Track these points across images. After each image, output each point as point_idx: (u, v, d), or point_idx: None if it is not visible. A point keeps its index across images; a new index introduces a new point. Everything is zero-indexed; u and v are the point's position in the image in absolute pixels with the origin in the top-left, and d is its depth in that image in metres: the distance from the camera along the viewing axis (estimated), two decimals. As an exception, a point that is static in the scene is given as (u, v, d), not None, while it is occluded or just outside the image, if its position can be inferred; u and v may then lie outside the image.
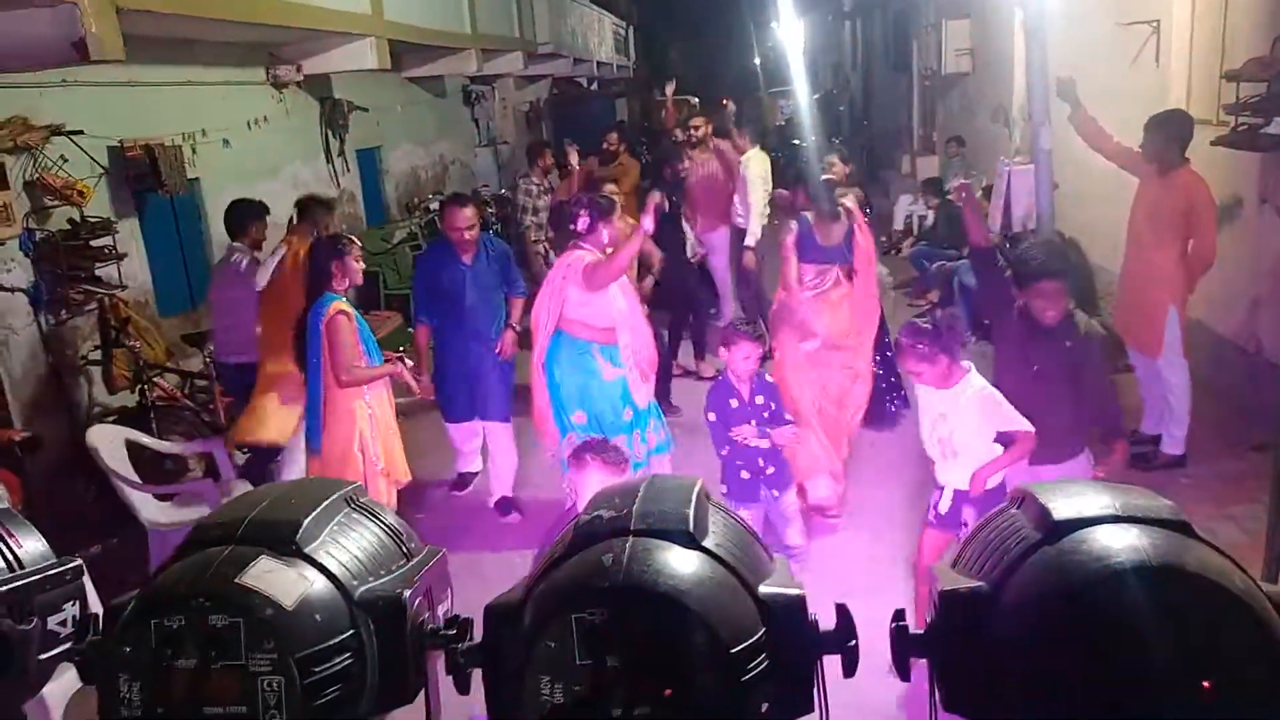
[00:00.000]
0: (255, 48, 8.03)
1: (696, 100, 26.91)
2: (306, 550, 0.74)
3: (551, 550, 0.76)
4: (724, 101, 30.41)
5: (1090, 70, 7.17)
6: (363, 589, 0.75)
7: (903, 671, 0.73)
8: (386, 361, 4.40)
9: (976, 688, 0.69)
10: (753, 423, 4.04)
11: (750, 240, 7.33)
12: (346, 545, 0.78)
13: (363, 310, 8.77)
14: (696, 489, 0.78)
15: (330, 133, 9.50)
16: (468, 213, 5.14)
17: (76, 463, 5.64)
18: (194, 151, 7.11)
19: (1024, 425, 3.42)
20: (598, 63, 21.99)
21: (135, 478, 4.81)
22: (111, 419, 5.68)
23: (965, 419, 3.47)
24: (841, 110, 24.83)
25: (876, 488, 5.41)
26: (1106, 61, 7.16)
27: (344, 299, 4.26)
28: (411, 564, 0.82)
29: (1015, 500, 0.78)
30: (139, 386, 5.78)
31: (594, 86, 23.40)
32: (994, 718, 0.69)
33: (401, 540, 0.84)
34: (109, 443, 4.83)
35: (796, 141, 22.07)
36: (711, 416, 4.11)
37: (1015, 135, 9.72)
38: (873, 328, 5.43)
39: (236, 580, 0.69)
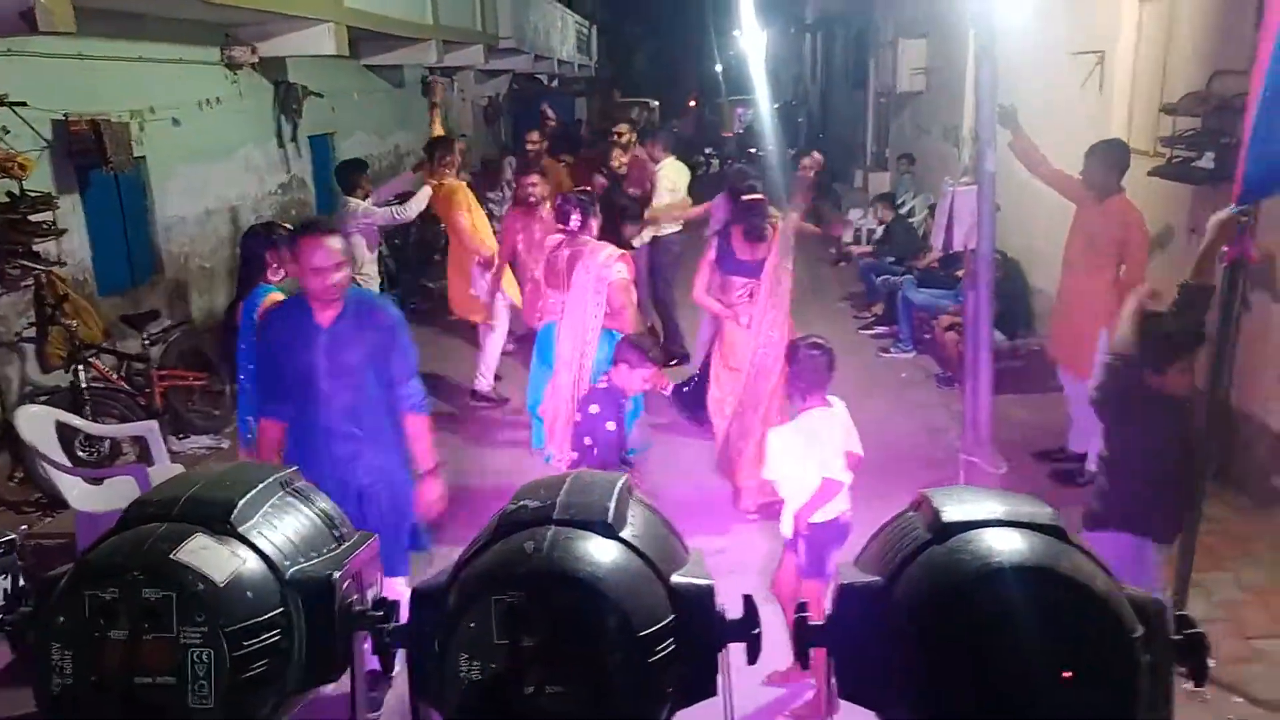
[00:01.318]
0: (210, 27, 7.90)
1: (656, 104, 27.06)
2: (240, 530, 0.77)
3: (478, 537, 0.80)
4: (691, 103, 30.49)
5: (1038, 96, 7.38)
6: (294, 569, 0.78)
7: (803, 660, 0.78)
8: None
9: (870, 676, 0.75)
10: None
11: (636, 242, 7.42)
12: (280, 527, 0.81)
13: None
14: (619, 484, 0.82)
15: (284, 117, 9.37)
16: (330, 247, 3.31)
17: (3, 442, 5.52)
18: (141, 129, 6.99)
19: (833, 474, 3.61)
20: (559, 60, 21.96)
21: (64, 460, 4.72)
22: (43, 399, 5.55)
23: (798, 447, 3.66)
24: (800, 121, 25.15)
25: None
26: (1054, 88, 7.38)
27: (279, 290, 4.19)
28: (343, 548, 0.86)
29: (914, 504, 0.83)
30: (74, 366, 5.66)
31: (554, 84, 23.36)
32: (885, 704, 0.75)
33: (334, 524, 0.88)
34: (37, 424, 4.72)
35: (753, 150, 22.28)
36: (611, 426, 4.06)
37: (965, 155, 9.94)
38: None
39: (171, 555, 0.72)
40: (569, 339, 4.86)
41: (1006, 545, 0.71)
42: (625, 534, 0.75)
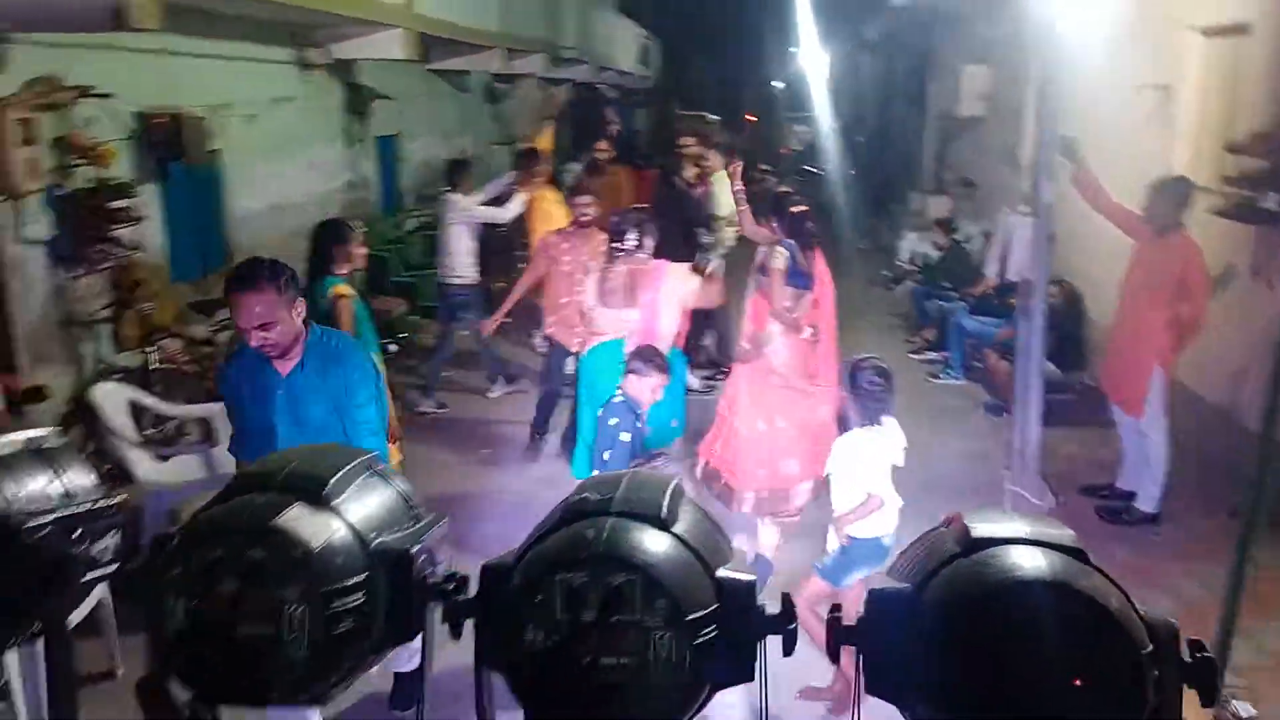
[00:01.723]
0: (285, 28, 8.16)
1: (716, 118, 27.11)
2: (332, 503, 0.86)
3: (542, 523, 0.88)
4: (747, 117, 30.46)
5: (1101, 128, 7.33)
6: (377, 541, 0.87)
7: (834, 656, 0.85)
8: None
9: (896, 674, 0.81)
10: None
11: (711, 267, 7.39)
12: (366, 502, 0.90)
13: (371, 295, 8.96)
14: (673, 484, 0.90)
15: (352, 117, 9.63)
16: (254, 306, 2.96)
17: (78, 416, 5.75)
18: (219, 125, 7.23)
19: (880, 491, 3.71)
20: (620, 71, 22.15)
21: (136, 436, 4.92)
22: (116, 377, 5.78)
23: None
24: (859, 141, 25.05)
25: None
26: (1117, 121, 7.32)
27: (345, 282, 4.35)
28: (418, 526, 0.94)
29: (947, 521, 0.90)
30: (145, 348, 5.89)
31: (614, 94, 23.57)
32: (908, 701, 0.81)
33: (410, 505, 0.97)
34: (112, 400, 4.94)
35: (810, 168, 22.22)
36: (625, 438, 4.11)
37: (1025, 183, 9.87)
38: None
39: (273, 521, 0.81)
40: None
41: (1029, 561, 0.77)
42: (677, 528, 0.83)
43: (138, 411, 5.32)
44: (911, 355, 8.88)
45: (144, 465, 4.75)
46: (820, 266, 5.18)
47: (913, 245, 11.87)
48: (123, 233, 6.02)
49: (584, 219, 6.55)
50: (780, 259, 4.99)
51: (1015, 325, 5.36)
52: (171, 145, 6.39)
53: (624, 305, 5.00)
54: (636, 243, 4.99)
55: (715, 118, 27.68)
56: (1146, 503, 5.42)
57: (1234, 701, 3.84)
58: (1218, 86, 6.29)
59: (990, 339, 7.84)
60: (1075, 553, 0.80)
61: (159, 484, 4.70)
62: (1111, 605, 0.74)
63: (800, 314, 5.16)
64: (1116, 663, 0.73)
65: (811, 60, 21.30)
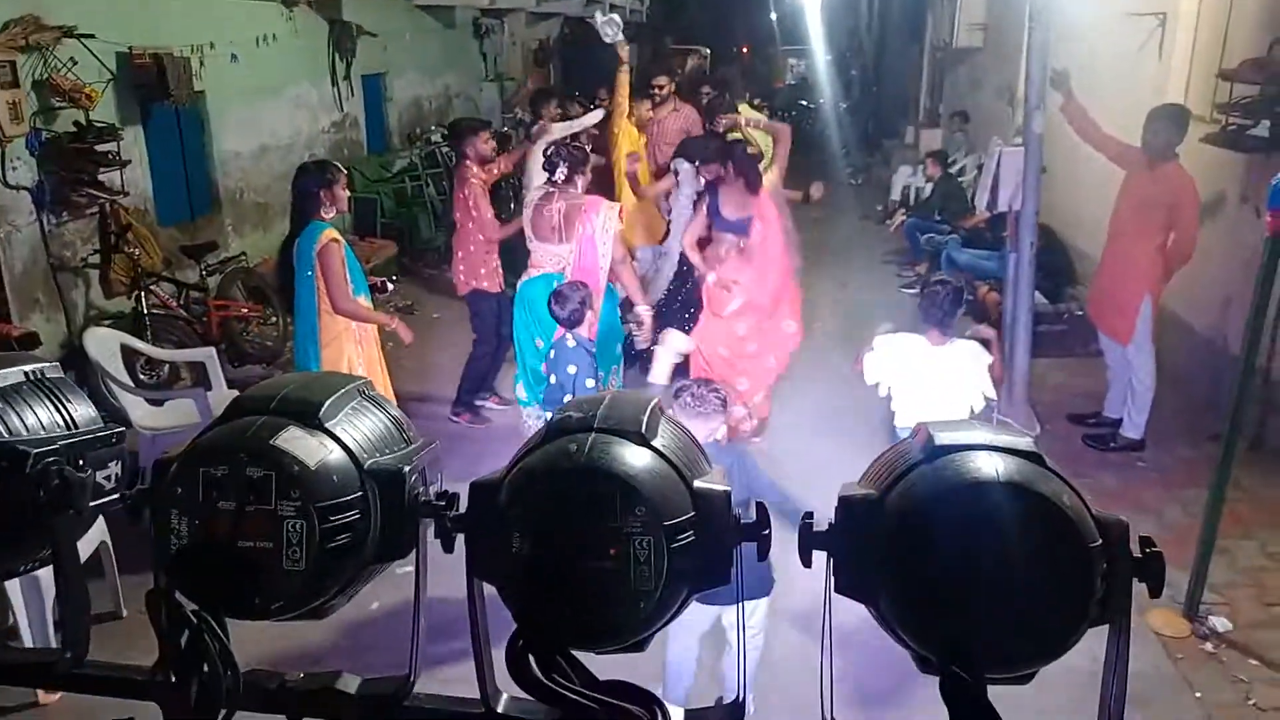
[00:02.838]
0: (269, -36, 8.02)
1: (708, 51, 26.71)
2: (327, 425, 0.90)
3: (528, 441, 0.92)
4: (742, 50, 29.94)
5: (1095, 58, 7.26)
6: (370, 461, 0.91)
7: (805, 560, 0.90)
8: (381, 304, 4.47)
9: (863, 575, 0.86)
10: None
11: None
12: (359, 425, 0.93)
13: (359, 236, 8.94)
14: (652, 403, 0.94)
15: (337, 56, 9.49)
16: None
17: (70, 363, 5.78)
18: (202, 64, 7.14)
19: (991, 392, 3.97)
20: (610, 4, 21.75)
21: (129, 381, 4.95)
22: (107, 323, 5.80)
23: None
24: (853, 75, 24.71)
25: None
26: (1111, 50, 7.25)
27: (331, 225, 4.34)
28: (410, 448, 0.98)
29: (914, 432, 0.94)
30: (135, 293, 5.89)
31: (606, 29, 23.14)
32: (874, 598, 0.86)
33: (402, 429, 1.01)
34: (105, 346, 4.96)
35: (804, 102, 21.96)
36: (590, 384, 4.19)
37: (1019, 115, 9.80)
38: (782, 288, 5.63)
39: (271, 441, 0.85)
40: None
41: (987, 464, 0.82)
42: (655, 443, 0.87)
43: (131, 357, 5.35)
44: (904, 290, 8.91)
45: (138, 410, 4.80)
46: (763, 207, 5.29)
47: (906, 179, 11.82)
48: (109, 176, 5.99)
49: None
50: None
51: (1004, 258, 5.38)
52: (155, 86, 6.32)
53: (559, 240, 5.14)
54: (566, 176, 5.12)
55: (707, 51, 27.28)
56: (1132, 430, 5.50)
57: (1211, 617, 3.96)
58: (1209, 14, 6.22)
59: (982, 272, 7.87)
60: (1032, 456, 0.84)
61: (153, 429, 4.75)
62: (1063, 503, 0.79)
63: (732, 256, 5.33)
64: (1066, 555, 0.78)
65: (806, -9, 20.87)
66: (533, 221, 5.22)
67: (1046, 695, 1.51)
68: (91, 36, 5.77)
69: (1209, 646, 3.84)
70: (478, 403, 6.12)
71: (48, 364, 1.09)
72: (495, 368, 6.18)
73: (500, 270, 6.01)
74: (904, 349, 4.03)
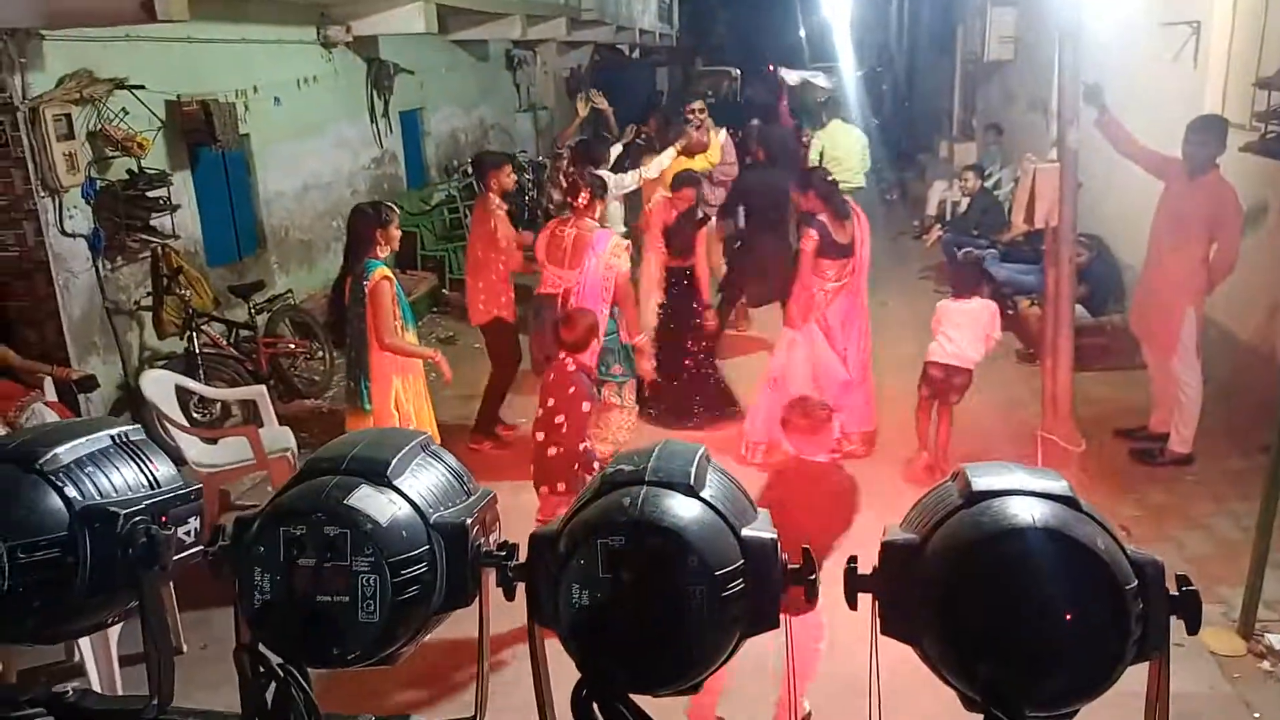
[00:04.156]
0: (307, 8, 8.23)
1: (738, 72, 26.84)
2: (395, 483, 0.96)
3: (582, 494, 0.97)
4: (770, 69, 30.19)
5: (1128, 69, 7.23)
6: (436, 515, 0.96)
7: (851, 603, 0.94)
8: (424, 340, 4.64)
9: (907, 617, 0.90)
10: None
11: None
12: (424, 480, 0.99)
13: (401, 269, 9.10)
14: (700, 453, 0.99)
15: (375, 93, 9.71)
16: None
17: (126, 403, 5.96)
18: (246, 108, 7.35)
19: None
20: (640, 30, 21.97)
21: (184, 421, 5.09)
22: (161, 364, 5.97)
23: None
24: (884, 89, 24.67)
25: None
26: (1145, 60, 7.21)
27: (385, 265, 4.49)
28: (471, 500, 1.04)
29: (953, 476, 0.98)
30: (187, 333, 6.06)
31: (635, 54, 23.40)
32: (917, 640, 0.90)
33: (464, 481, 1.06)
34: (160, 387, 5.12)
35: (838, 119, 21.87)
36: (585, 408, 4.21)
37: (1053, 128, 9.74)
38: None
39: (345, 501, 0.91)
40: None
41: (1024, 510, 0.85)
42: (704, 494, 0.92)
43: (184, 396, 5.50)
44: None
45: (194, 449, 4.93)
46: (858, 229, 5.44)
47: (941, 193, 11.77)
48: (160, 221, 6.18)
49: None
50: (811, 242, 5.51)
51: (1044, 273, 5.37)
52: (202, 132, 6.53)
53: (566, 266, 5.39)
54: (586, 203, 5.39)
55: (738, 72, 27.40)
56: (1179, 443, 5.43)
57: (1268, 635, 3.90)
58: (1244, 21, 6.17)
59: (1022, 287, 7.82)
60: (1068, 501, 0.88)
61: (209, 466, 4.87)
62: (1098, 546, 0.83)
63: (841, 281, 5.45)
64: (1103, 599, 0.81)
65: (836, 7, 20.90)
66: (546, 245, 5.48)
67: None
68: (142, 88, 5.97)
69: (1266, 665, 3.78)
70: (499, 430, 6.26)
71: (130, 427, 1.17)
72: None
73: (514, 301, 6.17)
74: (942, 307, 5.59)
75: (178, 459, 5.06)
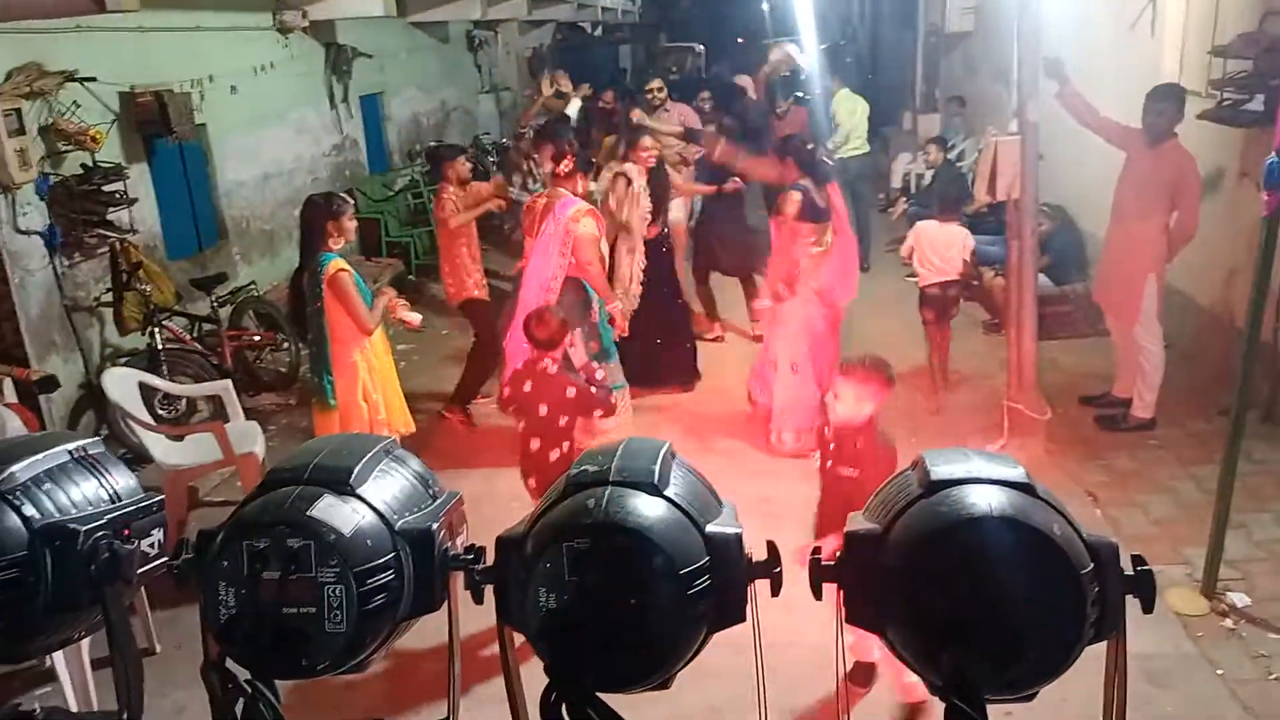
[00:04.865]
0: (261, -7, 8.09)
1: (702, 48, 26.70)
2: (358, 491, 0.96)
3: (548, 495, 0.98)
4: (738, 41, 29.98)
5: (1087, 39, 7.27)
6: (401, 522, 0.96)
7: (816, 593, 0.95)
8: (377, 296, 4.54)
9: (870, 605, 0.91)
10: None
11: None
12: (388, 487, 0.99)
13: (365, 256, 9.02)
14: (664, 450, 0.99)
15: (335, 78, 9.56)
16: None
17: (89, 402, 5.87)
18: (202, 98, 7.22)
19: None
20: (602, 8, 21.77)
21: (149, 419, 5.03)
22: (123, 361, 5.88)
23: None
24: (848, 62, 24.65)
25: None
26: (1103, 31, 7.26)
27: (339, 256, 4.41)
28: (437, 503, 1.04)
29: (913, 464, 0.99)
30: (149, 329, 5.97)
31: (598, 32, 23.21)
32: (883, 628, 0.92)
33: (428, 485, 1.06)
34: (123, 385, 5.04)
35: (800, 93, 21.91)
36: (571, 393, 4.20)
37: (1015, 99, 9.79)
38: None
39: (308, 512, 0.91)
40: (532, 286, 5.16)
41: (981, 499, 0.87)
42: (668, 492, 0.93)
43: (148, 393, 5.43)
44: (910, 278, 8.91)
45: (160, 448, 4.87)
46: (835, 196, 5.42)
47: (906, 165, 11.81)
48: (117, 216, 6.07)
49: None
50: (793, 205, 5.43)
51: (1008, 245, 5.42)
52: (157, 123, 6.39)
53: (533, 235, 5.36)
54: (569, 171, 5.27)
55: (702, 48, 27.24)
56: (1142, 408, 5.53)
57: (1230, 593, 3.99)
58: (1200, -12, 6.23)
59: (986, 257, 7.88)
60: (1024, 487, 0.89)
61: (176, 464, 4.82)
62: (1053, 532, 0.84)
63: (824, 246, 5.41)
64: (1059, 583, 0.83)
65: (799, -21, 20.81)
66: (524, 217, 5.52)
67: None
68: (93, 79, 5.85)
69: (1229, 623, 3.87)
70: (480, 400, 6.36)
71: (89, 440, 1.15)
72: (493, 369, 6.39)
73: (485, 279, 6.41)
74: (923, 227, 6.36)
75: (143, 457, 5.02)
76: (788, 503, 4.82)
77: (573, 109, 7.69)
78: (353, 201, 4.64)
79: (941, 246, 6.25)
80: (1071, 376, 6.40)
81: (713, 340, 7.52)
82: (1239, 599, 3.96)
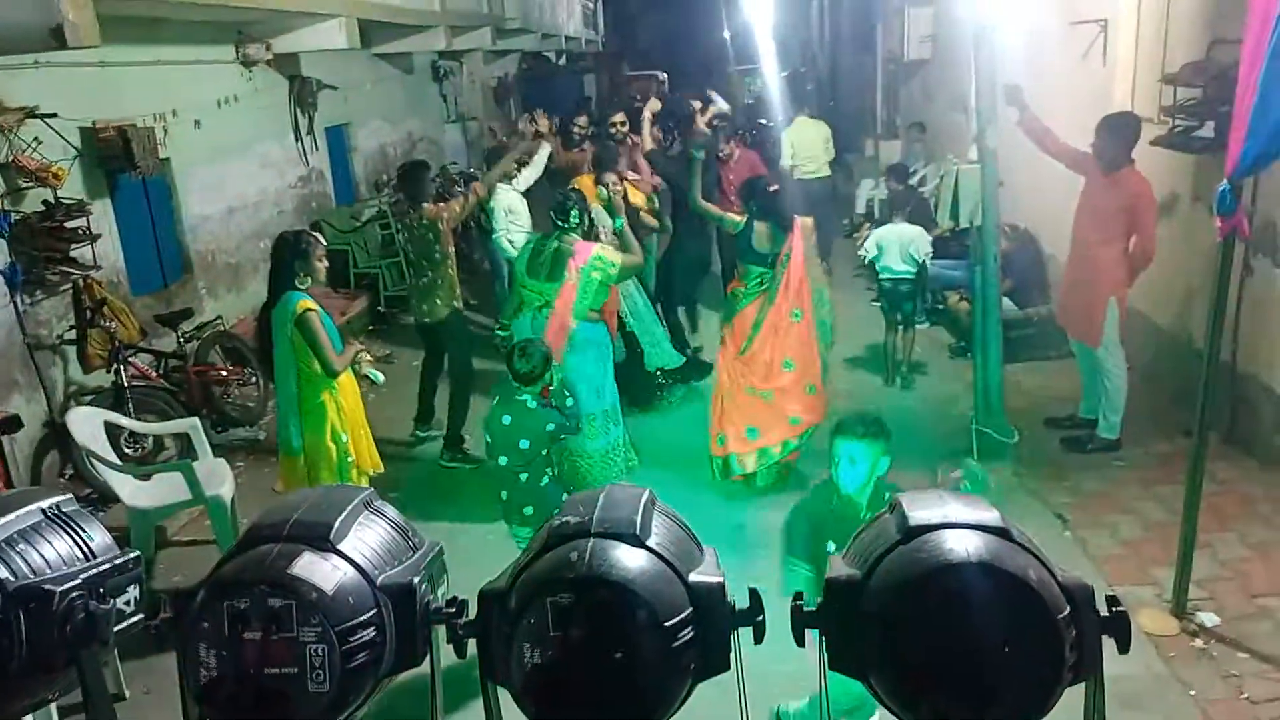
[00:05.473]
0: (225, 26, 8.05)
1: (665, 76, 26.96)
2: (339, 546, 0.95)
3: (530, 546, 0.98)
4: (702, 67, 30.23)
5: (1041, 66, 7.43)
6: (382, 577, 0.96)
7: (799, 639, 0.96)
8: (347, 345, 4.51)
9: (852, 651, 0.92)
10: None
11: None
12: (368, 541, 0.99)
13: (332, 288, 8.96)
14: (644, 499, 1.00)
15: (299, 110, 9.53)
16: None
17: (53, 442, 5.76)
18: (165, 132, 7.17)
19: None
20: (566, 37, 21.96)
21: (115, 459, 4.95)
22: (87, 399, 5.79)
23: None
24: (809, 90, 25.00)
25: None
26: (1057, 58, 7.43)
27: (308, 295, 4.36)
28: (417, 555, 1.04)
29: (891, 507, 1.01)
30: (114, 366, 5.88)
31: (562, 61, 23.37)
32: (865, 673, 0.93)
33: (408, 536, 1.06)
34: (87, 425, 4.95)
35: (763, 121, 22.20)
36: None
37: (974, 125, 9.98)
38: None
39: (289, 570, 0.90)
40: (553, 334, 5.23)
41: (959, 544, 0.88)
42: (651, 542, 0.93)
43: (114, 431, 5.34)
44: (875, 303, 9.02)
45: (126, 488, 4.78)
46: (795, 237, 5.42)
47: (869, 191, 11.97)
48: (80, 252, 5.99)
49: None
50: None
51: (971, 270, 5.50)
52: (120, 158, 6.33)
53: (545, 279, 5.38)
54: (578, 221, 5.42)
55: (664, 76, 27.47)
56: (1107, 430, 5.61)
57: (1199, 613, 4.04)
58: (1149, 18, 6.40)
59: (951, 282, 7.99)
60: (1000, 532, 0.91)
61: (144, 505, 4.74)
62: (1030, 578, 0.86)
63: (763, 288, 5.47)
64: (1037, 628, 0.84)
65: (759, 9, 21.14)
66: (529, 261, 5.47)
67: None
68: (54, 115, 5.78)
69: (1199, 643, 3.92)
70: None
71: (63, 497, 1.14)
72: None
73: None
74: (883, 229, 7.07)
75: (109, 498, 4.93)
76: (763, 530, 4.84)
77: (543, 154, 7.69)
78: (323, 241, 4.59)
79: (888, 242, 7.01)
80: (1036, 399, 6.49)
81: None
82: (1208, 619, 4.02)
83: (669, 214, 7.67)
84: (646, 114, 7.82)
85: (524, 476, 4.03)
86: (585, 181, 7.36)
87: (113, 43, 6.30)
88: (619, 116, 8.39)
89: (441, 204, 6.34)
